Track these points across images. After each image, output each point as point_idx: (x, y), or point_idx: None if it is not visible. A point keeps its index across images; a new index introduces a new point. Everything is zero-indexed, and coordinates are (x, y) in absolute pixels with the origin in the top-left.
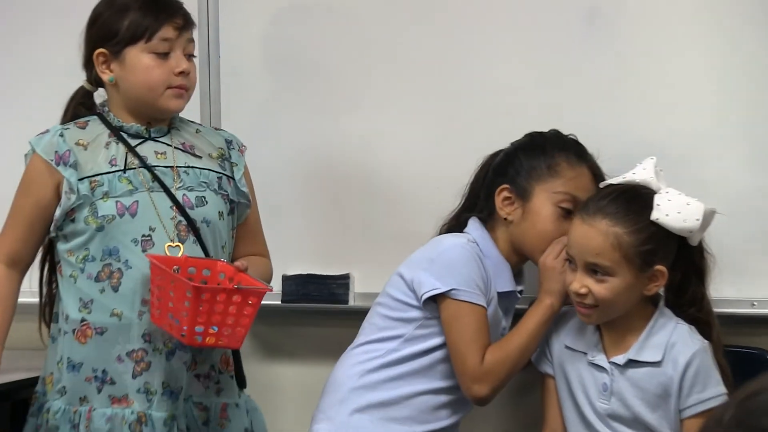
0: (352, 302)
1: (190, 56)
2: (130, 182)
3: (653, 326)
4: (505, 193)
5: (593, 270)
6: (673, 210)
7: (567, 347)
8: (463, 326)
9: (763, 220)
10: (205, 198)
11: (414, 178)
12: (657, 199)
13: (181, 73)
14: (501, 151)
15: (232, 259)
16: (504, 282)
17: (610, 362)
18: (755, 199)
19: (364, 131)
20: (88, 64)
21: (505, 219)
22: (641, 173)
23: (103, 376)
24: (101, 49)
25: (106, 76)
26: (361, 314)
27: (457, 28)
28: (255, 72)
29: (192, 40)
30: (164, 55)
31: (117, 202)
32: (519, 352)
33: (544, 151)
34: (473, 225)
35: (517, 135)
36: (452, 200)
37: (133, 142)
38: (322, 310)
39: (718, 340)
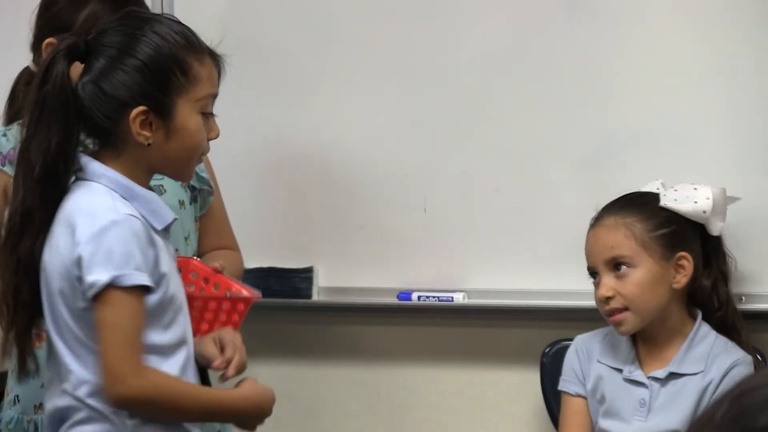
0: (316, 297)
1: None
2: None
3: (693, 338)
4: (142, 117)
5: (616, 267)
6: (681, 195)
7: (600, 362)
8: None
9: None
10: (162, 186)
11: (379, 165)
12: (663, 190)
13: None
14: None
15: (198, 253)
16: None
17: (648, 377)
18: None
19: (324, 117)
20: (36, 48)
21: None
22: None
23: None
24: (51, 39)
25: None
26: (325, 310)
27: (425, 4)
28: None
29: None
30: None
31: None
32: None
33: (173, 58)
34: (101, 169)
35: (492, 120)
36: (420, 188)
37: None
38: (284, 306)
39: (747, 342)
